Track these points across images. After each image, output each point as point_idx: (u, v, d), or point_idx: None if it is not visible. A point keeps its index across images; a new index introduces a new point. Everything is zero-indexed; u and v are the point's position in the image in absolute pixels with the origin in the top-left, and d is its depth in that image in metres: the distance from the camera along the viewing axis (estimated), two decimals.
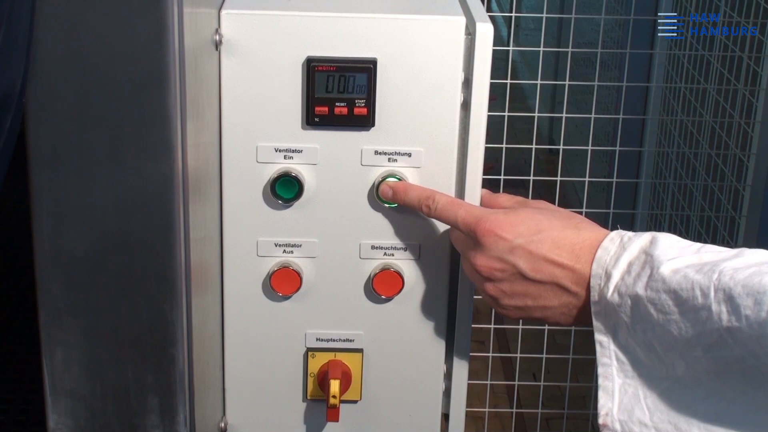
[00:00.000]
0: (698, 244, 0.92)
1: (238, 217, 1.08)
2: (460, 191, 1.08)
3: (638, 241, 0.93)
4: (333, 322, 1.13)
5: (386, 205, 1.08)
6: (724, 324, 0.84)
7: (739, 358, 0.85)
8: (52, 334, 0.88)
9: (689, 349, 0.88)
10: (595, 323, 0.95)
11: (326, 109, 1.05)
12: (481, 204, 1.08)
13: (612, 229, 0.98)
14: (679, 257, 0.90)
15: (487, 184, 1.10)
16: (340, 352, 1.14)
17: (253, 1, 1.05)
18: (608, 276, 0.93)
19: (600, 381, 0.95)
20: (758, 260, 0.86)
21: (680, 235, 0.95)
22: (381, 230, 1.10)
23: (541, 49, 2.45)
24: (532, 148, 2.48)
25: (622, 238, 0.95)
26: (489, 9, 2.24)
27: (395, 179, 1.07)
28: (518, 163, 2.88)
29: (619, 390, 0.94)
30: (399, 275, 1.10)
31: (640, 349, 0.92)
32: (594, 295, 0.94)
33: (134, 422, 0.91)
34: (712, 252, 0.90)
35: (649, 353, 0.92)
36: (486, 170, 1.12)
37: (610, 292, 0.93)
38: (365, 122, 1.06)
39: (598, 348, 0.95)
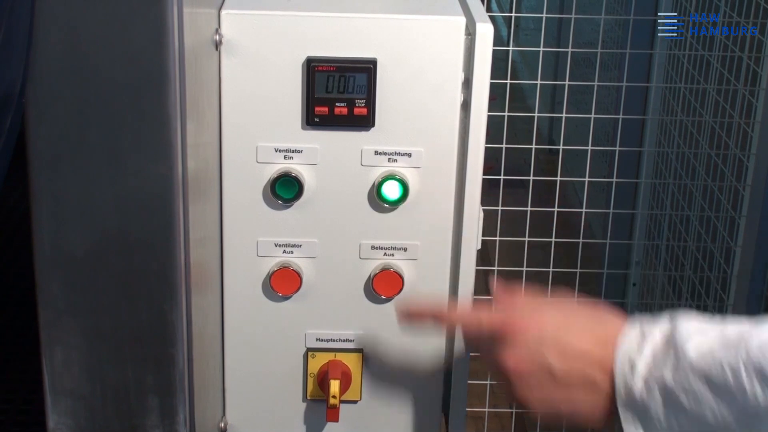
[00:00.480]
0: (717, 319, 0.89)
1: (238, 217, 1.08)
2: (460, 191, 1.08)
3: (658, 326, 0.91)
4: (333, 322, 1.13)
5: (387, 205, 1.08)
6: (762, 404, 0.82)
7: None
8: (52, 334, 0.88)
9: None
10: (623, 415, 0.92)
11: (326, 109, 1.05)
12: (499, 301, 1.04)
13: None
14: (700, 335, 0.87)
15: (487, 184, 1.10)
16: (340, 353, 1.14)
17: (253, 1, 1.05)
18: (632, 366, 0.91)
19: None
20: None
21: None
22: (381, 230, 1.10)
23: (541, 49, 2.44)
24: (532, 148, 2.47)
25: (641, 325, 0.92)
26: (489, 9, 2.23)
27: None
28: (518, 163, 2.88)
29: None
30: (399, 275, 1.10)
31: None
32: (620, 387, 0.92)
33: (134, 422, 0.91)
34: (733, 325, 0.87)
35: None
36: (486, 170, 1.12)
37: (637, 383, 0.90)
38: (365, 122, 1.06)
39: None
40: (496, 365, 0.98)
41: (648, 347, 0.90)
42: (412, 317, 1.05)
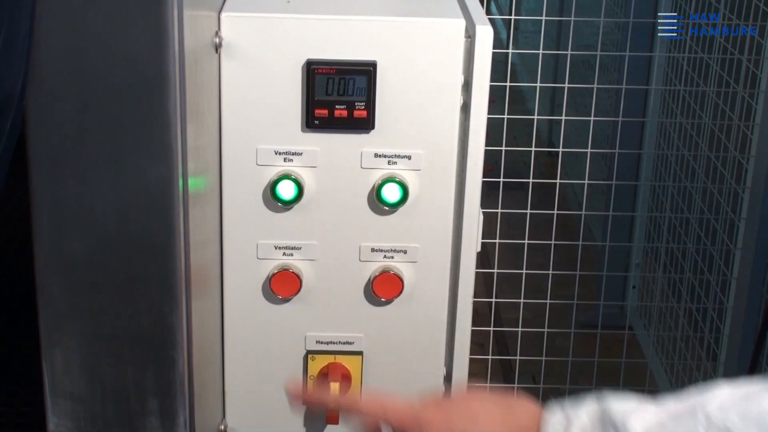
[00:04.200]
0: (643, 399, 0.87)
1: (238, 219, 1.08)
2: (460, 193, 1.09)
3: (584, 409, 0.88)
4: (333, 324, 1.13)
5: (386, 207, 1.08)
6: None
7: None
8: (53, 336, 0.88)
9: None
10: None
11: (326, 111, 1.05)
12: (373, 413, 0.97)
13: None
14: (640, 412, 0.85)
15: (486, 187, 1.10)
16: (340, 355, 1.14)
17: (253, 4, 1.05)
18: None
19: None
20: (733, 392, 0.82)
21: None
22: (381, 233, 1.10)
23: (541, 51, 2.45)
24: (531, 151, 2.48)
25: (563, 410, 0.90)
26: (488, 11, 2.22)
27: None
28: (517, 166, 2.88)
29: None
30: (399, 278, 1.10)
31: None
32: None
33: (134, 424, 0.91)
34: (673, 402, 0.85)
35: None
36: (485, 173, 1.12)
37: None
38: (365, 125, 1.06)
39: None
40: None
41: (576, 427, 0.87)
42: (310, 402, 1.03)
